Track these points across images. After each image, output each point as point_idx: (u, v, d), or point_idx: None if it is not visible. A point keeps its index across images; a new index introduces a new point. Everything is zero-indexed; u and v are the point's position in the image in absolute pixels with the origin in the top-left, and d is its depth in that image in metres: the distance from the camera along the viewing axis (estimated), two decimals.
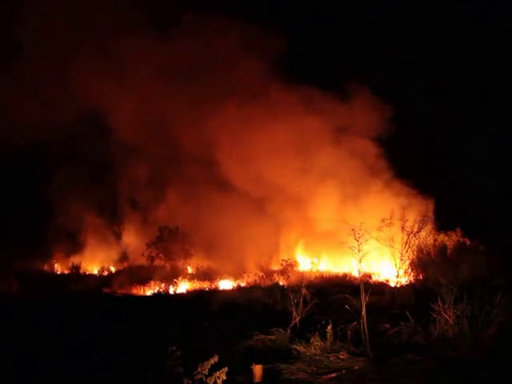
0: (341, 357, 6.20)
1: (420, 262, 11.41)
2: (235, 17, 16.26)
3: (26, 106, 16.26)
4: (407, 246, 11.18)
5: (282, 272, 14.01)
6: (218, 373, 4.76)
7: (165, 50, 16.15)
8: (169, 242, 17.57)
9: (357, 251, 7.40)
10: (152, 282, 14.48)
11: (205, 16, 16.32)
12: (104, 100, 16.14)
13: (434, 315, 6.60)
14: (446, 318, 6.46)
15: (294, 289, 8.60)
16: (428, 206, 13.40)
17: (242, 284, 13.95)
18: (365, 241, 7.55)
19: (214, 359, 4.83)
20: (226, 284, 14.16)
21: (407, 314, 6.94)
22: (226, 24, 16.35)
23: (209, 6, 16.20)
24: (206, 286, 14.11)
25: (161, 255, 17.62)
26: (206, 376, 4.74)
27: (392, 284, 11.20)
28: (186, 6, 16.28)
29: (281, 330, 7.34)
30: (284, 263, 14.51)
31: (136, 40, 15.86)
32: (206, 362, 4.80)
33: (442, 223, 13.40)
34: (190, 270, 17.11)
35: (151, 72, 16.20)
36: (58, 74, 15.96)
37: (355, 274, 12.77)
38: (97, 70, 16.01)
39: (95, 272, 19.13)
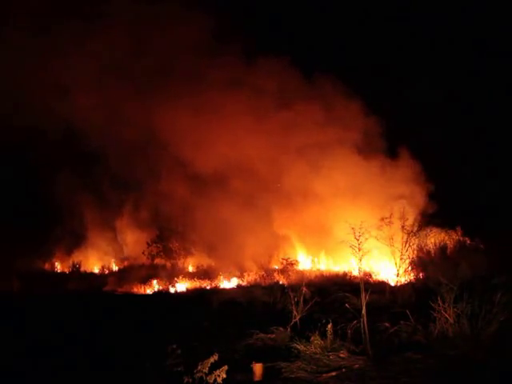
0: (341, 355, 6.20)
1: (420, 261, 11.42)
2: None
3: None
4: (407, 245, 11.18)
5: (283, 271, 14.03)
6: (218, 371, 4.77)
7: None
8: (169, 241, 17.60)
9: (357, 250, 7.40)
10: (152, 281, 14.50)
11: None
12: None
13: (434, 314, 6.60)
14: (446, 317, 6.47)
15: (295, 287, 8.60)
16: (429, 205, 13.41)
17: (243, 283, 13.97)
18: (365, 239, 7.56)
19: (214, 357, 4.84)
20: (226, 283, 14.18)
21: (407, 312, 6.95)
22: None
23: None
24: (206, 284, 14.13)
25: (161, 254, 17.65)
26: (206, 374, 4.75)
27: (392, 283, 11.21)
28: None
29: (281, 328, 7.36)
30: (284, 262, 14.54)
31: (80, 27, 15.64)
32: (206, 361, 4.81)
33: (443, 222, 13.39)
34: (190, 268, 17.13)
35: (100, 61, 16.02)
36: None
37: (355, 272, 12.77)
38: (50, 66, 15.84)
39: (96, 271, 19.16)
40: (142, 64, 16.05)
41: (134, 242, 20.07)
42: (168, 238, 17.69)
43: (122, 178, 18.93)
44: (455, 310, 6.46)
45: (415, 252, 11.56)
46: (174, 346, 4.94)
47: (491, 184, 16.18)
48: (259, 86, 15.87)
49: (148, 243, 17.92)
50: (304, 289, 8.16)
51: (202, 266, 16.56)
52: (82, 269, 19.00)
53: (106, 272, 18.63)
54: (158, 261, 17.63)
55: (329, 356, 6.23)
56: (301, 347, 6.50)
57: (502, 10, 17.34)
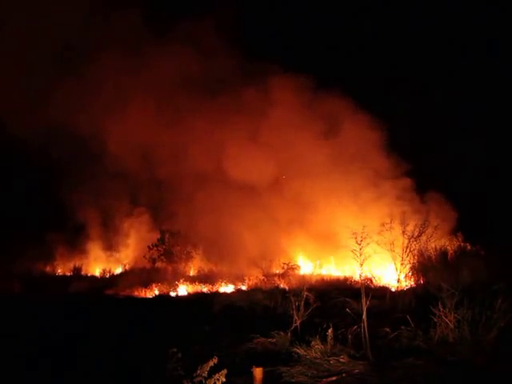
0: (341, 360, 6.20)
1: (421, 267, 11.39)
2: None
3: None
4: (408, 251, 11.16)
5: (283, 275, 14.01)
6: (217, 375, 4.77)
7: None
8: (170, 245, 17.63)
9: (358, 255, 7.41)
10: (153, 284, 14.51)
11: None
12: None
13: (435, 319, 6.59)
14: (447, 323, 6.46)
15: (295, 292, 8.60)
16: (430, 210, 13.39)
17: (243, 287, 13.96)
18: (366, 244, 7.56)
19: (214, 361, 4.84)
20: (227, 287, 14.17)
21: (408, 318, 6.94)
22: None
23: None
24: (207, 288, 14.12)
25: (162, 257, 17.67)
26: (206, 378, 4.75)
27: (393, 288, 11.18)
28: None
29: (281, 332, 7.35)
30: (285, 266, 14.52)
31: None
32: (205, 364, 4.81)
33: (444, 227, 13.35)
34: (191, 272, 17.14)
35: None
36: None
37: (356, 277, 12.76)
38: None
39: (97, 274, 19.17)
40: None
41: (135, 245, 20.11)
42: (169, 241, 17.72)
43: (122, 180, 19.01)
44: (456, 315, 6.46)
45: (416, 257, 11.54)
46: (175, 350, 4.94)
47: (492, 188, 16.15)
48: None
49: (149, 247, 17.96)
50: (305, 293, 8.15)
51: (203, 269, 16.58)
52: (83, 272, 19.04)
53: (107, 275, 18.64)
54: (159, 264, 17.65)
55: (329, 361, 6.22)
56: (301, 352, 6.50)
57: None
